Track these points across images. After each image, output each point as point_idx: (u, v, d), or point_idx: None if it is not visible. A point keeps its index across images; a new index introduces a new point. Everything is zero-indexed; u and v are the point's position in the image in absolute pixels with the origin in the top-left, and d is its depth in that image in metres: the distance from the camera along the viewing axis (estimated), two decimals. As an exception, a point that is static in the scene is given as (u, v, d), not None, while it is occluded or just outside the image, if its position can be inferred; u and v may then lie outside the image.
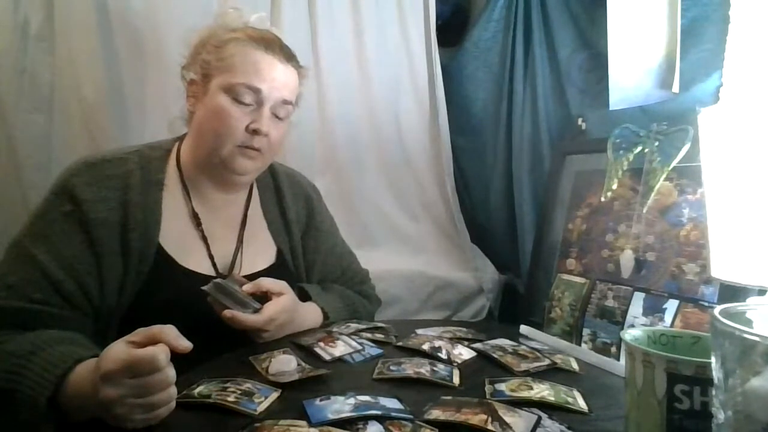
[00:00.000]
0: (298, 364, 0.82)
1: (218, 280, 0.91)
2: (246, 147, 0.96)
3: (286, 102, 0.99)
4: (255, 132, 0.95)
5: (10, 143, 1.37)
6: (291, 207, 1.13)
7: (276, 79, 0.97)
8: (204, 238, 1.00)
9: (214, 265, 0.99)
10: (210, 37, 1.00)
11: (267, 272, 1.03)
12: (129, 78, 1.42)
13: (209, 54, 0.98)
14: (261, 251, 1.07)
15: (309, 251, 1.14)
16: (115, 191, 0.92)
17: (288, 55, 1.01)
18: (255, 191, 1.12)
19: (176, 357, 0.79)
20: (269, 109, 0.97)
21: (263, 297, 0.94)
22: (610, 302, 0.98)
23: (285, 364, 0.82)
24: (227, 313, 0.87)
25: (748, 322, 0.46)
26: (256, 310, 0.91)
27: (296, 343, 0.93)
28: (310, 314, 1.05)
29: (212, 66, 0.97)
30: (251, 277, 0.97)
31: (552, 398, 0.71)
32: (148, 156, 0.99)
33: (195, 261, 0.97)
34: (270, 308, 0.92)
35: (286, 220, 1.12)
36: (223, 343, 0.87)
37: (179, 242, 0.96)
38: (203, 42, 1.00)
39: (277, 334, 0.96)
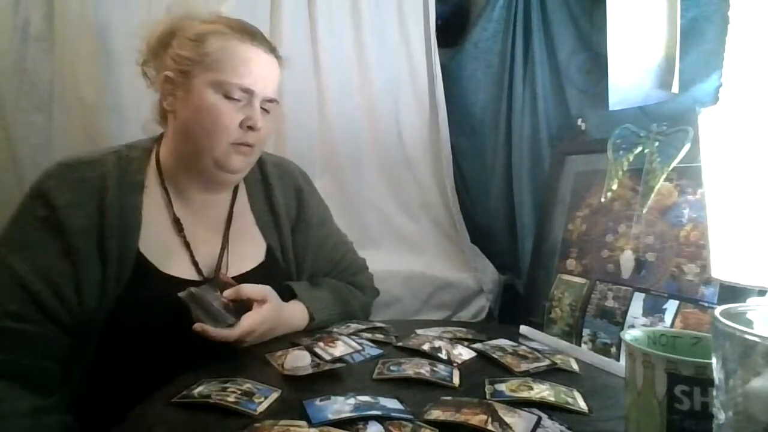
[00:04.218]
0: (312, 360, 0.83)
1: (193, 289, 0.88)
2: (240, 144, 0.94)
3: (271, 100, 0.97)
4: (250, 128, 0.93)
5: (10, 143, 1.37)
6: (280, 200, 1.10)
7: (264, 75, 0.95)
8: (187, 245, 0.97)
9: (198, 271, 0.96)
10: (176, 29, 0.96)
11: (256, 271, 1.01)
12: (128, 78, 1.42)
13: (185, 49, 0.93)
14: (250, 249, 1.04)
15: (298, 246, 1.11)
16: (91, 196, 0.88)
17: (271, 46, 0.99)
18: (241, 186, 1.08)
19: (165, 355, 0.79)
20: (259, 104, 0.95)
21: (245, 302, 0.91)
22: (610, 303, 0.98)
23: (300, 359, 0.82)
24: (197, 327, 0.83)
25: (749, 323, 0.46)
26: (230, 325, 0.87)
27: (295, 343, 0.93)
28: (297, 314, 1.02)
29: (194, 62, 0.92)
30: (241, 279, 0.95)
31: (552, 398, 0.71)
32: (126, 156, 0.96)
33: (177, 267, 0.94)
34: (247, 321, 0.88)
35: (275, 214, 1.08)
36: (209, 349, 0.85)
37: (160, 248, 0.93)
38: (169, 33, 0.96)
39: (260, 340, 0.93)
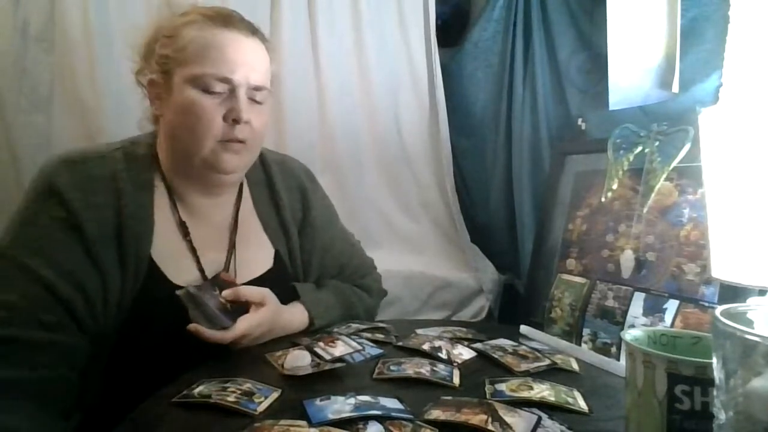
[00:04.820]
0: (312, 359, 0.83)
1: (191, 288, 0.86)
2: (228, 140, 0.87)
3: (258, 89, 0.90)
4: (235, 121, 0.86)
5: (10, 143, 1.37)
6: (286, 202, 1.06)
7: (245, 61, 0.87)
8: (193, 250, 0.93)
9: (204, 278, 0.92)
10: (159, 30, 0.90)
11: (264, 278, 0.99)
12: (128, 79, 1.41)
13: (164, 47, 0.87)
14: (257, 255, 1.01)
15: (304, 251, 1.07)
16: (106, 197, 0.84)
17: (252, 28, 0.91)
18: (246, 189, 1.03)
19: (173, 363, 0.78)
20: (244, 94, 0.88)
21: (244, 304, 0.89)
22: (610, 302, 0.98)
23: (300, 359, 0.82)
24: (191, 327, 0.81)
25: (749, 323, 0.46)
26: (225, 327, 0.85)
27: (295, 343, 0.93)
28: (296, 318, 0.99)
29: (171, 59, 0.86)
30: (249, 285, 0.93)
31: (552, 398, 0.71)
32: (132, 153, 0.91)
33: (184, 273, 0.90)
34: (242, 324, 0.86)
35: (282, 218, 1.05)
36: (212, 357, 0.84)
37: (168, 254, 0.89)
38: (154, 37, 0.91)
39: (256, 342, 0.92)
